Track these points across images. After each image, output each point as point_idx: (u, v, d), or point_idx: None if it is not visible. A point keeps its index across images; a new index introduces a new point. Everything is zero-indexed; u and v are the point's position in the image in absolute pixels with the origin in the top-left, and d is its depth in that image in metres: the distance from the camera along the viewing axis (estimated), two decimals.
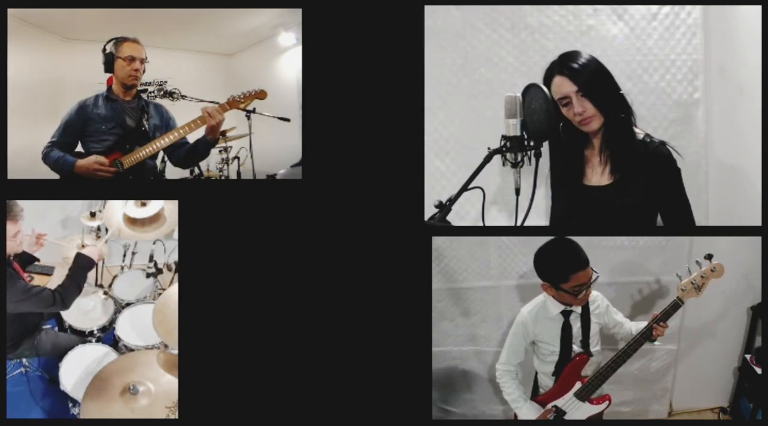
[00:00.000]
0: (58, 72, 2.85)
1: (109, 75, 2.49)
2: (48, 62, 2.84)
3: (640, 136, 1.98)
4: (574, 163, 2.05)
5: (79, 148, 2.47)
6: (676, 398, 2.77)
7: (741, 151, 2.35)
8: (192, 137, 2.51)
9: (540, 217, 2.25)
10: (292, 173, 2.58)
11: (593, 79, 1.92)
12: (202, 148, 2.50)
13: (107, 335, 2.84)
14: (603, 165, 2.00)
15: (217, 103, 2.45)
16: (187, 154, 2.53)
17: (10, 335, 2.54)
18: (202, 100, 2.50)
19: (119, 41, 2.45)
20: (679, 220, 2.00)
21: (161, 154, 2.53)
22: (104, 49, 2.46)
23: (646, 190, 1.93)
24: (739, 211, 2.34)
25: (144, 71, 2.51)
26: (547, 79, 1.97)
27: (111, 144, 2.44)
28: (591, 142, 2.04)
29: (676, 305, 2.01)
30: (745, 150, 2.31)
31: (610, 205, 1.97)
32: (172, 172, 2.62)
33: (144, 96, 2.60)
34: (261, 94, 2.48)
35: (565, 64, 1.95)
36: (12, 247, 2.52)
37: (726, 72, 2.37)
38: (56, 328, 2.89)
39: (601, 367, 2.06)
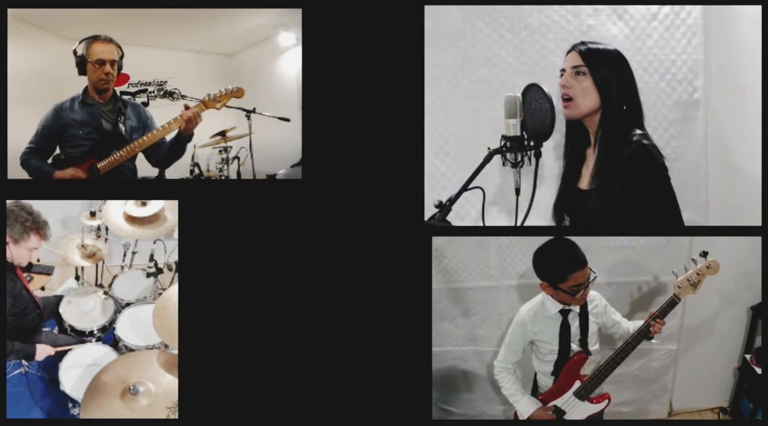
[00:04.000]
0: (58, 72, 2.85)
1: (76, 74, 2.44)
2: (48, 62, 2.84)
3: (636, 138, 1.93)
4: (572, 163, 2.06)
5: (58, 151, 2.45)
6: (676, 398, 2.78)
7: (741, 151, 2.35)
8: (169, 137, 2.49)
9: (540, 217, 2.25)
10: (292, 173, 2.58)
11: (597, 62, 1.93)
12: (179, 146, 2.48)
13: (107, 335, 2.83)
14: (593, 168, 1.99)
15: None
16: (165, 153, 2.50)
17: (10, 338, 2.54)
18: (202, 100, 2.49)
19: (90, 42, 2.40)
20: (666, 221, 1.96)
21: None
22: (75, 51, 2.41)
23: (623, 196, 1.88)
24: (739, 211, 2.34)
25: (120, 70, 2.45)
26: (567, 54, 2.00)
27: (87, 149, 2.41)
28: (591, 143, 2.03)
29: (673, 302, 2.02)
30: (745, 150, 2.31)
31: (589, 209, 1.96)
32: (173, 172, 2.62)
33: (135, 98, 2.58)
34: (238, 93, 2.46)
35: (585, 43, 1.98)
36: (24, 257, 2.55)
37: (726, 72, 2.37)
38: (56, 330, 2.89)
39: (600, 365, 2.07)
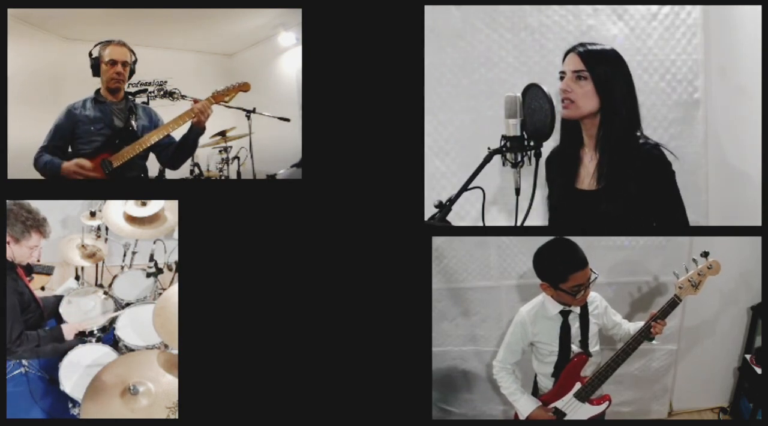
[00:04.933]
0: (59, 72, 2.85)
1: (97, 79, 2.49)
2: (48, 62, 2.84)
3: (643, 140, 1.95)
4: (568, 164, 2.06)
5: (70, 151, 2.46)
6: (676, 398, 2.78)
7: (741, 151, 2.35)
8: (177, 134, 2.50)
9: (540, 217, 2.25)
10: (292, 173, 2.58)
11: (598, 65, 1.93)
12: (192, 141, 2.50)
13: (107, 335, 2.83)
14: (594, 169, 1.99)
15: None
16: (176, 150, 2.52)
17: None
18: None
19: (104, 45, 2.46)
20: (673, 223, 1.98)
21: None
22: (90, 54, 2.47)
23: (636, 197, 1.90)
24: (739, 211, 2.34)
25: (133, 73, 2.51)
26: (564, 56, 2.00)
27: (99, 144, 2.43)
28: (585, 143, 2.03)
29: (673, 303, 2.01)
30: (745, 150, 2.31)
31: (596, 210, 1.96)
32: (172, 172, 2.62)
33: (136, 98, 2.59)
34: (244, 87, 2.48)
35: (583, 45, 1.97)
36: (25, 256, 2.58)
37: (726, 72, 2.37)
38: None
39: (601, 366, 2.06)
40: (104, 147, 2.43)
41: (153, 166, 2.57)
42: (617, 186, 1.92)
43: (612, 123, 1.93)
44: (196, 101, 2.45)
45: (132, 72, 2.51)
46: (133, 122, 2.49)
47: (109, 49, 2.46)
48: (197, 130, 2.47)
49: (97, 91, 2.50)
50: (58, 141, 2.45)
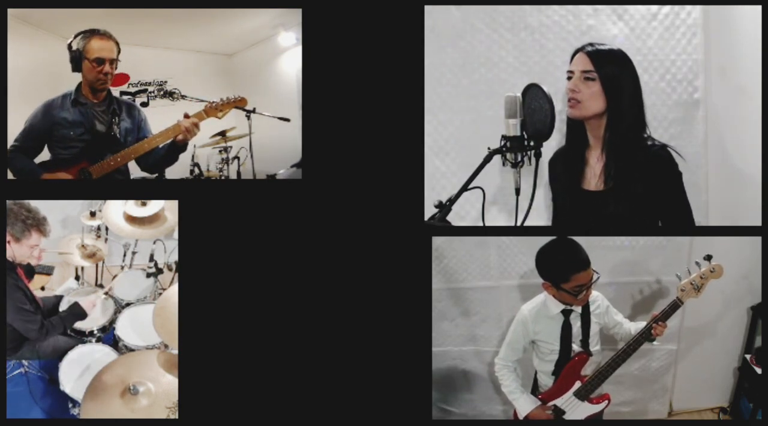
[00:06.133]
0: (59, 72, 2.85)
1: (77, 74, 2.34)
2: (48, 62, 2.83)
3: (650, 141, 1.96)
4: (574, 165, 2.06)
5: (45, 151, 2.37)
6: (676, 398, 2.78)
7: (741, 151, 2.35)
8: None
9: (540, 217, 2.25)
10: (292, 173, 2.58)
11: (606, 66, 1.93)
12: (174, 154, 2.43)
13: (107, 335, 2.83)
14: (601, 170, 2.00)
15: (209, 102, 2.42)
16: (158, 161, 2.44)
17: (11, 338, 2.54)
18: (201, 101, 2.49)
19: (87, 36, 2.27)
20: (679, 224, 1.99)
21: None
22: (70, 46, 2.27)
23: (643, 198, 1.90)
24: (739, 211, 2.34)
25: (116, 68, 2.34)
26: (573, 55, 2.00)
27: (78, 151, 2.33)
28: (591, 144, 2.03)
29: (675, 305, 2.01)
30: (745, 150, 2.31)
31: (604, 211, 1.96)
32: (173, 172, 2.62)
33: (135, 97, 2.55)
34: (241, 103, 2.44)
35: (592, 45, 1.97)
36: (26, 255, 2.56)
37: (726, 72, 2.37)
38: None
39: (601, 366, 2.06)
40: (84, 154, 2.34)
41: (136, 168, 2.54)
42: (624, 187, 1.92)
43: (619, 124, 1.94)
44: (186, 116, 2.38)
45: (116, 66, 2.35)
46: (115, 127, 2.37)
47: (94, 42, 2.28)
48: (179, 146, 2.39)
49: (78, 90, 2.35)
50: (32, 141, 2.31)
